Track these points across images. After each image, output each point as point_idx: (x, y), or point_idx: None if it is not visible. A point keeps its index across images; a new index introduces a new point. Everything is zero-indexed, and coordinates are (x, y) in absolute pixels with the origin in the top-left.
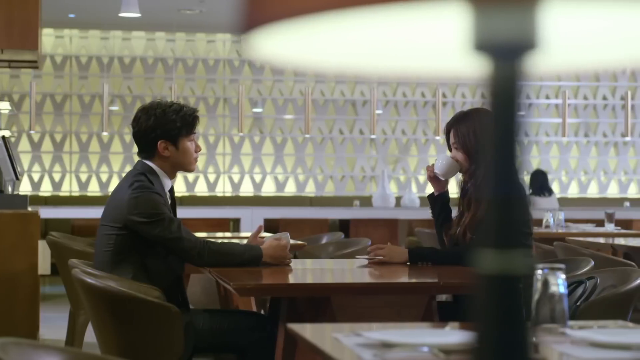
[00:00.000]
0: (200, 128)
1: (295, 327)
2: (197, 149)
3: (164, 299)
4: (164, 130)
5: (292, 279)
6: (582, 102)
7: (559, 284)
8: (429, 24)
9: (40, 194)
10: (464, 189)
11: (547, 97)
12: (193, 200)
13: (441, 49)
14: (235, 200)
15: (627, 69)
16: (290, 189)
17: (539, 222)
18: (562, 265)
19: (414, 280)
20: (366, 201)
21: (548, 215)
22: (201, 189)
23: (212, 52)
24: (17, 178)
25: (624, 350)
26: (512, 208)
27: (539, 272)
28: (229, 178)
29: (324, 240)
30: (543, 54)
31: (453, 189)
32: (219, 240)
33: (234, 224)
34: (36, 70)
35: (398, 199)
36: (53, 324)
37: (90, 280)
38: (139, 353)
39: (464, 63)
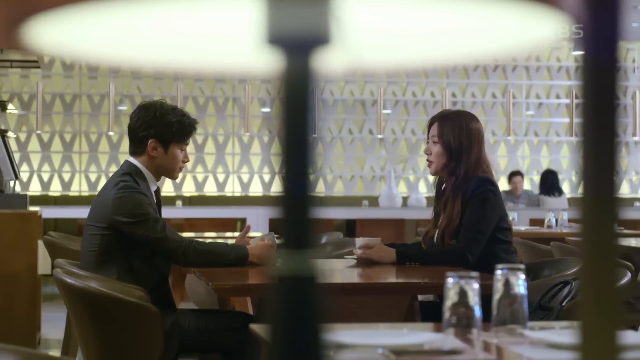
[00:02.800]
0: (209, 128)
1: (256, 327)
2: (185, 159)
3: (147, 299)
4: (157, 131)
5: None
6: None
7: (519, 284)
8: (220, 16)
9: (50, 193)
10: (438, 188)
11: (558, 97)
12: (202, 200)
13: (234, 43)
14: (245, 200)
15: (430, 66)
16: None
17: (540, 222)
18: (522, 266)
19: (394, 281)
20: (375, 201)
21: (550, 215)
22: (210, 189)
23: None
24: (16, 177)
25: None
26: (304, 208)
27: (499, 272)
28: (238, 178)
29: (322, 240)
30: (337, 49)
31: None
32: (208, 240)
33: (241, 224)
34: (45, 71)
35: (405, 199)
36: (55, 324)
37: (68, 280)
38: (118, 353)
39: (257, 58)
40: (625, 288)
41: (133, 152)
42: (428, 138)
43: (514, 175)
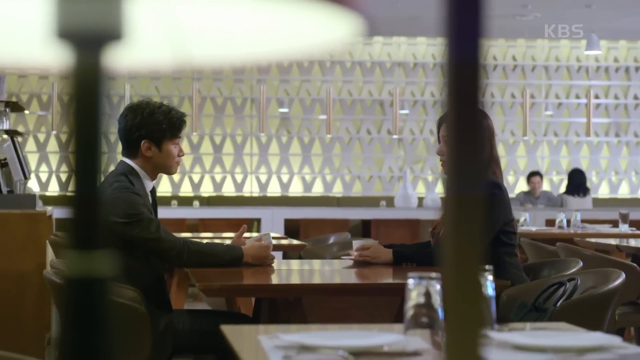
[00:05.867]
0: (227, 128)
1: (225, 328)
2: (181, 153)
3: (140, 300)
4: (148, 130)
5: (263, 280)
6: (613, 102)
7: (486, 285)
8: (8, 7)
9: (69, 193)
10: None
11: (577, 97)
12: (220, 201)
13: (21, 36)
14: (262, 201)
15: (239, 64)
16: (317, 189)
17: (552, 223)
18: (490, 267)
19: (384, 281)
20: (393, 202)
21: (561, 215)
22: (229, 189)
23: None
24: (25, 178)
25: (540, 352)
26: (92, 207)
27: None
28: (256, 178)
29: (330, 241)
30: (129, 46)
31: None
32: (205, 240)
33: (257, 225)
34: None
35: (422, 199)
36: None
37: (57, 279)
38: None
39: (47, 52)
40: (618, 289)
41: (127, 154)
42: (439, 138)
43: (533, 175)
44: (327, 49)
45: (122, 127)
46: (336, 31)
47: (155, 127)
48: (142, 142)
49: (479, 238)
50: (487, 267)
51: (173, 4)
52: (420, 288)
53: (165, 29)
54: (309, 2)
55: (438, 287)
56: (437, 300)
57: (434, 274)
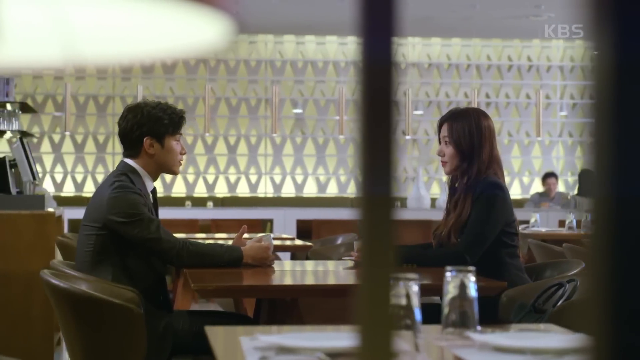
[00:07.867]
0: (242, 129)
1: (209, 329)
2: (183, 151)
3: (139, 301)
4: (150, 127)
5: (260, 281)
6: None
7: (470, 286)
8: None
9: (84, 194)
10: (452, 187)
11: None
12: (234, 201)
13: None
14: (277, 202)
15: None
16: (332, 190)
17: (564, 224)
18: (473, 268)
19: None
20: (406, 202)
21: (571, 216)
22: (243, 190)
23: (253, 53)
24: (34, 179)
25: (519, 354)
26: None
27: (449, 274)
28: (270, 179)
29: (338, 242)
30: (6, 43)
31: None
32: (207, 241)
33: (270, 226)
34: (79, 72)
35: (434, 200)
36: None
37: (53, 280)
38: (102, 353)
39: None
40: None
41: (128, 155)
42: (439, 139)
43: (548, 176)
44: (208, 48)
45: (123, 127)
46: (212, 31)
47: (156, 123)
48: (145, 139)
49: (392, 238)
50: (471, 268)
51: (60, 1)
52: (399, 290)
53: (52, 26)
54: (187, 3)
55: (415, 288)
56: (416, 302)
57: (411, 276)
